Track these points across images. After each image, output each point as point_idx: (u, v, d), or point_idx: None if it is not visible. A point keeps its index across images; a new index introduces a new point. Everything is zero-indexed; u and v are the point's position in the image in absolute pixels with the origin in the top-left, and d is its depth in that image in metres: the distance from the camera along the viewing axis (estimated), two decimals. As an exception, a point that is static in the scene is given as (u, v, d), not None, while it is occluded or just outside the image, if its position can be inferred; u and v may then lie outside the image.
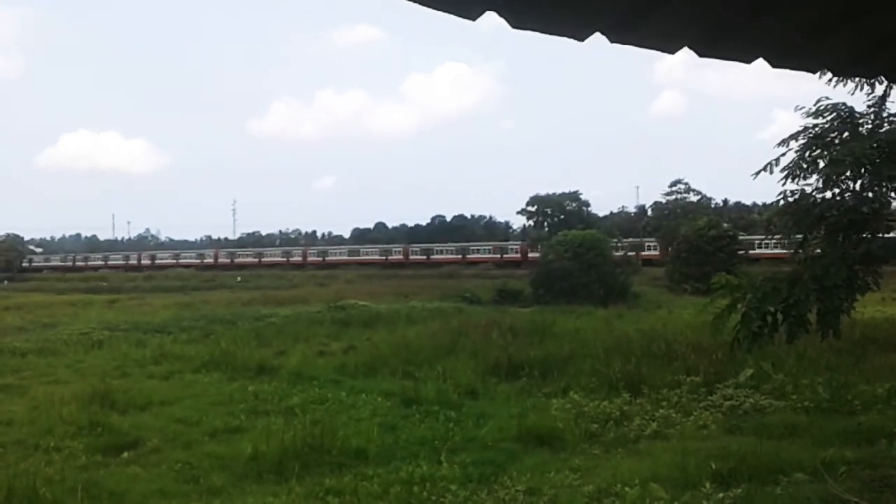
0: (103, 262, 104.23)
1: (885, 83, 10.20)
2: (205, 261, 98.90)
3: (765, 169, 10.70)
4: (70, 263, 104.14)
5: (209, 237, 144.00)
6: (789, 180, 10.66)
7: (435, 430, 12.06)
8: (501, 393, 15.30)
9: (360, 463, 10.28)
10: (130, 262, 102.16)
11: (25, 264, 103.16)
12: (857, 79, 9.95)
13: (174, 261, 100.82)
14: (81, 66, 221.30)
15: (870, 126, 10.68)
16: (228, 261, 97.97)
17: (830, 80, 10.09)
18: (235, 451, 10.85)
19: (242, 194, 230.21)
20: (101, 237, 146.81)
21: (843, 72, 2.36)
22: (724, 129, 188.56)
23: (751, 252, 55.53)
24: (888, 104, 10.72)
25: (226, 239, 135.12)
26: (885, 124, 10.64)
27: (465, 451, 10.78)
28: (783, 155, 10.68)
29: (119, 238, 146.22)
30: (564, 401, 13.83)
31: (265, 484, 9.51)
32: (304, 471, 9.82)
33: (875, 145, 10.04)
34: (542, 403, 13.91)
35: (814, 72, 2.42)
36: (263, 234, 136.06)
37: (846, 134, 10.60)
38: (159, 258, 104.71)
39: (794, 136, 10.69)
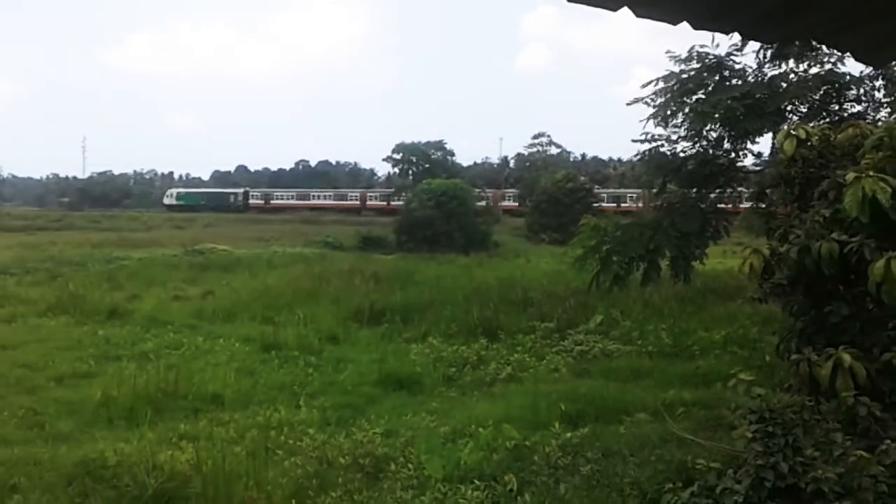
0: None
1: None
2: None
3: (637, 101, 11.09)
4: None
5: (56, 175, 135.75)
6: (653, 123, 11.11)
7: (294, 375, 12.03)
8: (362, 338, 15.38)
9: (216, 408, 10.14)
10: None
11: (258, 202, 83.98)
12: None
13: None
14: None
15: (732, 79, 11.21)
16: None
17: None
18: (84, 396, 10.48)
19: (94, 131, 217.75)
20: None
21: (701, 26, 2.44)
22: (585, 84, 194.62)
23: (603, 205, 57.58)
24: (745, 58, 11.33)
25: (74, 178, 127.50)
26: (739, 79, 11.20)
27: (325, 396, 10.84)
28: (654, 94, 11.09)
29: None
30: (424, 346, 14.11)
31: (115, 430, 9.19)
32: (158, 416, 9.59)
33: (736, 97, 10.56)
34: (403, 348, 14.13)
35: (674, 24, 2.50)
36: (116, 173, 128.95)
37: (712, 85, 11.09)
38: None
39: (666, 82, 11.08)
